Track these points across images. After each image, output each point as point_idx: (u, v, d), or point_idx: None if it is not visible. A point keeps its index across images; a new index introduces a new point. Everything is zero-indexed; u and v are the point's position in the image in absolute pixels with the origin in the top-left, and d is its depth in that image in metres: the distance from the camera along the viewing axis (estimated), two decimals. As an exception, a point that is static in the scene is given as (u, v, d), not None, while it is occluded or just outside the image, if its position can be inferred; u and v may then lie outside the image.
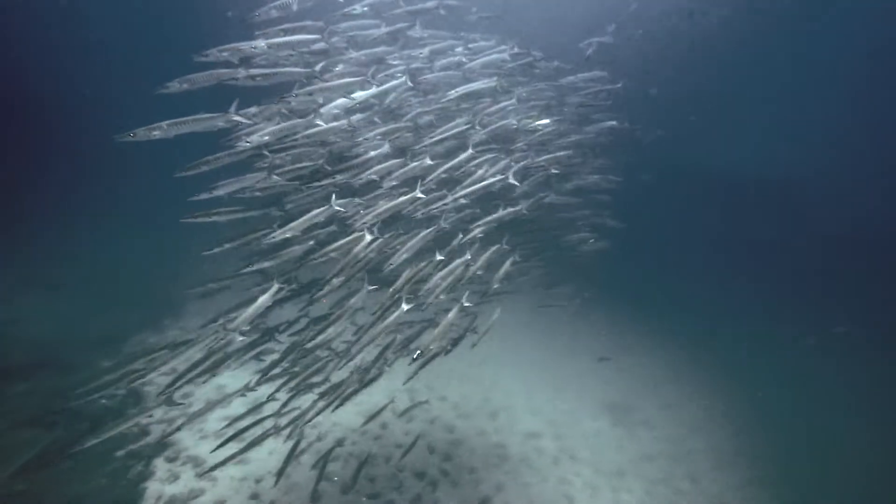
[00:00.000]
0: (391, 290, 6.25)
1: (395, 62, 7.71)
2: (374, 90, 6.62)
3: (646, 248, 23.93)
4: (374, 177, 6.57)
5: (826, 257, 28.21)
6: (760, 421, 14.03)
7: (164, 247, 17.19)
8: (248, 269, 6.39)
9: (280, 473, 7.15)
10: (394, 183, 6.67)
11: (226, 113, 5.67)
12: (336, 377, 6.78)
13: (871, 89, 30.96)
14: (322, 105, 6.31)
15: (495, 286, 7.55)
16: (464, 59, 8.18)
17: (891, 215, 28.09)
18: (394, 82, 6.98)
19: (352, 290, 6.56)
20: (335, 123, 6.39)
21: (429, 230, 6.59)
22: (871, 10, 25.40)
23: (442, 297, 6.45)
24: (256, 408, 7.17)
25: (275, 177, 6.38)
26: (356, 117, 6.90)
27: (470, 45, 8.51)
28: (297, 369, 6.47)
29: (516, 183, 7.47)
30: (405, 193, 6.55)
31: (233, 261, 6.64)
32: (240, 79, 5.95)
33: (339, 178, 6.37)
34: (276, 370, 6.48)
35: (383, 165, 6.63)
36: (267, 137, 5.92)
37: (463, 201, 6.98)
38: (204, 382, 6.12)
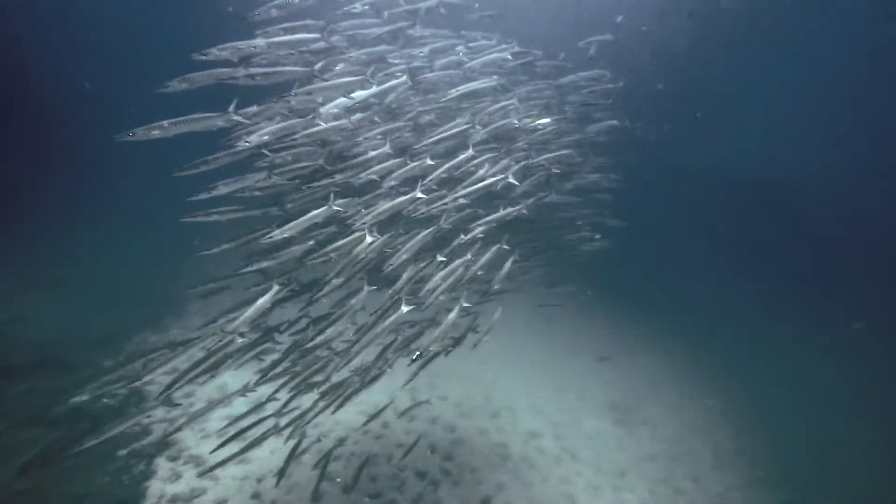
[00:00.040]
0: (391, 291, 6.23)
1: (395, 61, 7.70)
2: (373, 90, 6.57)
3: (646, 246, 23.94)
4: (373, 176, 6.54)
5: (826, 257, 28.23)
6: (761, 421, 14.05)
7: (164, 246, 17.18)
8: (248, 269, 6.36)
9: (281, 473, 7.14)
10: (393, 183, 6.64)
11: (225, 112, 5.63)
12: (337, 377, 6.78)
13: (871, 89, 30.97)
14: (322, 104, 6.27)
15: (495, 286, 7.54)
16: (464, 59, 8.18)
17: (891, 215, 28.09)
18: (394, 82, 6.93)
19: (352, 290, 6.55)
20: (335, 123, 6.36)
21: (428, 230, 6.54)
22: (871, 10, 25.40)
23: (441, 298, 6.41)
24: (257, 407, 7.16)
25: (274, 176, 6.37)
26: (356, 117, 6.87)
27: (470, 45, 8.50)
28: (297, 369, 6.45)
29: (516, 182, 7.44)
30: (405, 193, 6.51)
31: (234, 260, 6.63)
32: (239, 78, 5.88)
33: (338, 177, 6.33)
34: (277, 370, 6.46)
35: (383, 165, 6.59)
36: (266, 137, 5.90)
37: (462, 201, 6.92)
38: (203, 384, 6.11)
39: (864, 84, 31.19)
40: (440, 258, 6.69)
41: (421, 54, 7.95)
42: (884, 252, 27.77)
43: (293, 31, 6.59)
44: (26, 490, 7.07)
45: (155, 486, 7.95)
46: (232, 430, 6.84)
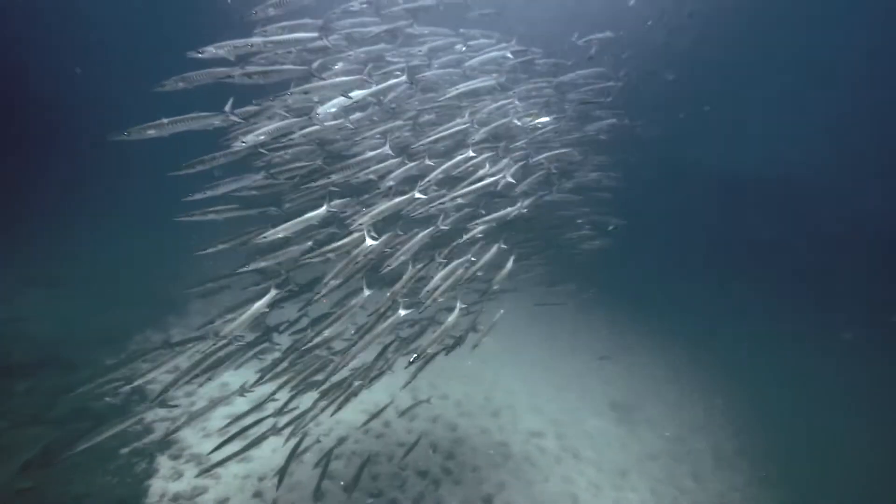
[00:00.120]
0: (389, 293, 6.20)
1: (394, 60, 7.69)
2: (372, 89, 6.51)
3: (646, 246, 23.94)
4: (372, 176, 6.47)
5: (826, 257, 28.25)
6: (761, 421, 14.07)
7: (165, 246, 17.17)
8: (246, 269, 6.32)
9: (282, 473, 7.07)
10: (391, 183, 6.60)
11: (222, 112, 5.59)
12: (336, 377, 6.75)
13: (871, 88, 31.02)
14: (319, 104, 6.21)
15: (495, 287, 7.52)
16: (463, 56, 8.16)
17: (891, 215, 28.13)
18: (392, 81, 6.88)
19: (351, 289, 6.53)
20: (332, 122, 6.31)
21: (427, 231, 6.48)
22: (871, 9, 25.47)
23: (440, 299, 6.37)
24: (258, 407, 7.15)
25: (272, 176, 6.35)
26: (355, 116, 6.83)
27: (469, 43, 8.49)
28: (297, 369, 6.42)
29: (513, 181, 7.41)
30: (404, 193, 6.45)
31: (234, 260, 6.62)
32: (236, 77, 5.83)
33: (335, 177, 6.28)
34: (277, 370, 6.45)
35: (382, 165, 6.52)
36: (263, 137, 5.88)
37: (460, 201, 6.87)
38: (200, 386, 6.10)
39: (864, 83, 31.26)
40: (439, 259, 6.65)
41: (420, 53, 7.95)
42: (884, 252, 27.82)
43: (291, 29, 6.58)
44: (27, 489, 7.06)
45: (156, 485, 7.94)
46: (231, 431, 6.84)
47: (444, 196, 6.70)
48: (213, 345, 5.61)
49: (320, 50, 6.79)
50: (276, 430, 6.90)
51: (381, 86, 6.60)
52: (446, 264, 6.45)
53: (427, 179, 6.60)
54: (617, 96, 10.22)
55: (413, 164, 6.72)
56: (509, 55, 8.39)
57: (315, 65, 6.31)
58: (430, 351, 6.17)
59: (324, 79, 6.24)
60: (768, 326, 21.64)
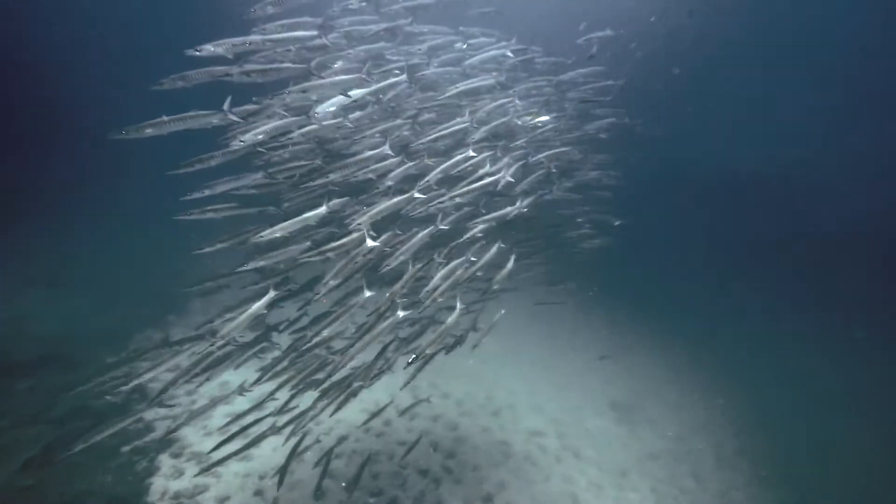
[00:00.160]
0: (388, 294, 6.18)
1: (393, 58, 7.68)
2: (370, 88, 6.45)
3: (646, 245, 23.94)
4: (371, 175, 6.44)
5: (826, 257, 28.26)
6: (761, 421, 14.06)
7: (166, 245, 17.16)
8: (245, 268, 6.29)
9: (283, 472, 7.05)
10: (390, 183, 6.54)
11: (220, 111, 5.55)
12: (336, 377, 6.73)
13: (871, 88, 31.06)
14: (318, 102, 6.16)
15: (495, 287, 7.50)
16: (463, 55, 8.15)
17: (891, 215, 28.14)
18: (391, 79, 6.82)
19: (351, 289, 6.51)
20: (330, 121, 6.28)
21: (426, 231, 6.43)
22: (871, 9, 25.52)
23: (440, 299, 6.34)
24: (256, 406, 7.14)
25: (271, 175, 6.34)
26: (355, 115, 6.79)
27: (469, 41, 8.48)
28: (297, 368, 6.40)
29: (511, 180, 7.38)
30: (403, 192, 6.41)
31: (236, 258, 6.61)
32: (234, 75, 5.81)
33: (333, 176, 6.25)
34: (277, 369, 6.44)
35: (381, 164, 6.48)
36: (261, 136, 5.86)
37: (459, 200, 6.79)
38: (199, 385, 6.10)
39: (864, 82, 31.30)
40: (438, 259, 6.61)
41: (419, 51, 7.94)
42: (884, 252, 27.84)
43: (290, 27, 6.57)
44: (29, 487, 7.07)
45: (157, 483, 7.94)
46: (231, 429, 6.85)
47: (443, 195, 6.64)
48: (211, 346, 5.59)
49: (319, 48, 6.78)
50: (275, 430, 6.89)
51: (380, 84, 6.59)
52: (446, 264, 6.43)
53: (426, 179, 6.55)
54: (617, 95, 10.22)
55: (412, 163, 6.71)
56: (509, 54, 8.40)
57: (314, 63, 6.30)
58: (428, 352, 6.13)
59: (323, 77, 6.23)
60: (768, 326, 21.63)
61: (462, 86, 7.53)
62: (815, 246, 28.59)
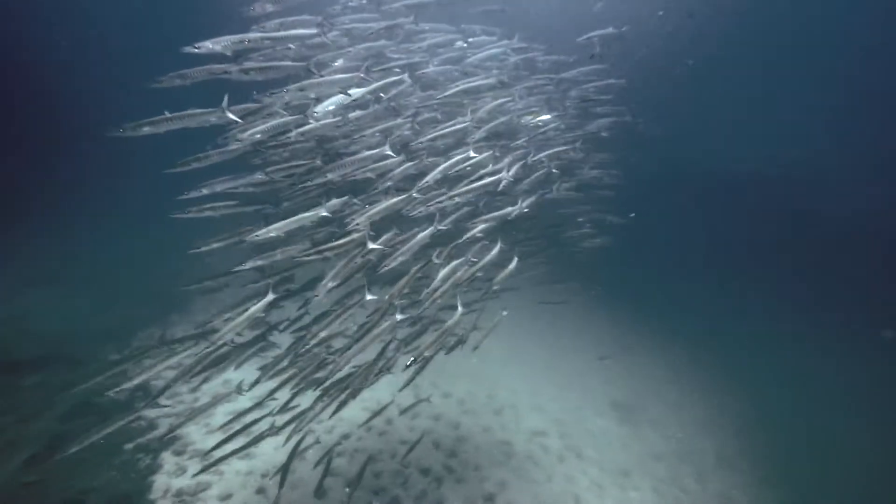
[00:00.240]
0: (388, 295, 6.17)
1: (394, 56, 7.68)
2: (371, 86, 6.38)
3: (646, 244, 23.94)
4: (370, 175, 6.41)
5: (826, 257, 28.26)
6: (761, 421, 14.07)
7: (167, 243, 17.16)
8: (244, 268, 6.27)
9: (284, 470, 7.05)
10: (389, 183, 6.52)
11: (218, 109, 5.53)
12: (336, 377, 6.71)
13: (871, 88, 31.09)
14: (316, 101, 6.13)
15: (495, 287, 7.48)
16: (465, 53, 8.15)
17: (891, 215, 28.14)
18: (391, 78, 6.78)
19: (351, 289, 6.50)
20: (329, 120, 6.25)
21: (426, 231, 6.38)
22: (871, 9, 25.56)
23: (439, 300, 6.32)
24: (256, 406, 7.14)
25: (269, 175, 6.33)
26: (354, 114, 6.75)
27: (470, 39, 8.47)
28: (297, 368, 6.39)
29: (511, 179, 7.36)
30: (402, 192, 6.39)
31: (237, 257, 6.60)
32: (233, 73, 5.80)
33: (331, 175, 6.22)
34: (277, 369, 6.44)
35: (380, 164, 6.45)
36: (259, 136, 5.85)
37: (458, 199, 6.70)
38: (197, 385, 6.11)
39: (864, 82, 31.33)
40: (436, 260, 6.57)
41: (420, 49, 7.94)
42: (884, 252, 27.85)
43: (290, 25, 6.57)
44: (33, 483, 7.09)
45: (160, 481, 7.96)
46: (232, 428, 6.86)
47: (443, 195, 6.59)
48: (208, 347, 5.60)
49: (319, 46, 6.78)
50: (275, 431, 6.88)
51: (379, 83, 6.57)
52: (446, 264, 6.41)
53: (426, 179, 6.50)
54: (618, 94, 10.24)
55: (412, 162, 6.69)
56: (510, 52, 8.40)
57: (312, 61, 6.28)
58: (427, 354, 6.10)
59: (322, 75, 6.22)
60: (768, 326, 21.64)
61: (463, 84, 7.52)
62: (815, 246, 28.56)
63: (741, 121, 34.02)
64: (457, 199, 6.68)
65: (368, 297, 6.04)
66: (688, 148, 29.96)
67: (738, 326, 20.94)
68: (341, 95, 6.09)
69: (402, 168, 6.57)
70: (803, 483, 11.48)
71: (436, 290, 6.15)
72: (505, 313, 7.98)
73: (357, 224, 5.93)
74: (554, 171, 8.67)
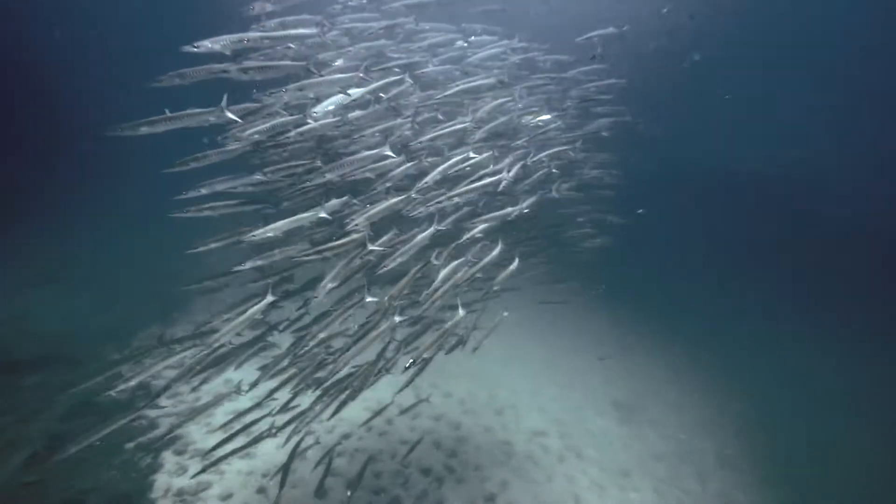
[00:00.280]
0: (387, 296, 6.16)
1: (394, 56, 7.66)
2: (371, 86, 6.36)
3: (647, 244, 23.92)
4: (369, 175, 6.38)
5: (826, 257, 28.27)
6: (761, 421, 14.07)
7: (167, 243, 17.15)
8: (243, 267, 6.26)
9: (285, 470, 7.02)
10: (389, 183, 6.50)
11: (217, 108, 5.52)
12: (336, 377, 6.70)
13: (871, 88, 31.08)
14: (316, 101, 6.10)
15: (495, 288, 7.47)
16: (465, 53, 8.14)
17: (891, 215, 28.15)
18: (391, 77, 6.76)
19: (352, 289, 6.49)
20: (328, 120, 6.23)
21: (425, 232, 6.36)
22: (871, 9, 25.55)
23: (438, 302, 6.31)
24: (259, 404, 7.14)
25: (268, 174, 6.32)
26: (354, 114, 6.73)
27: (471, 38, 8.45)
28: (297, 368, 6.38)
29: (511, 179, 7.33)
30: (402, 192, 6.36)
31: (238, 256, 6.58)
32: (232, 73, 5.77)
33: (330, 175, 6.20)
34: (277, 368, 6.43)
35: (379, 164, 6.42)
36: (257, 136, 5.84)
37: (457, 200, 6.67)
38: (197, 386, 6.10)
39: (864, 82, 31.32)
40: (435, 261, 6.56)
41: (420, 49, 7.93)
42: (884, 252, 27.85)
43: (289, 25, 6.56)
44: (33, 483, 7.09)
45: (161, 480, 7.96)
46: (232, 428, 6.85)
47: (443, 195, 6.56)
48: (206, 348, 5.59)
49: (319, 46, 6.76)
50: (274, 432, 6.86)
51: (379, 83, 6.55)
52: (446, 265, 6.39)
53: (426, 179, 6.47)
54: (619, 93, 10.23)
55: (412, 162, 6.67)
56: (511, 52, 8.39)
57: (311, 61, 6.26)
58: (426, 355, 6.08)
59: (322, 75, 6.20)
60: (768, 326, 21.63)
61: (463, 84, 7.50)
62: (815, 246, 28.55)
63: (741, 121, 33.97)
64: (456, 200, 6.67)
65: (368, 298, 6.02)
66: (688, 148, 29.92)
67: (738, 326, 20.93)
68: (341, 95, 6.07)
69: (401, 168, 6.55)
70: (803, 483, 11.48)
71: (436, 290, 6.13)
72: (506, 314, 7.95)
73: (356, 224, 5.92)
74: (554, 171, 8.65)
